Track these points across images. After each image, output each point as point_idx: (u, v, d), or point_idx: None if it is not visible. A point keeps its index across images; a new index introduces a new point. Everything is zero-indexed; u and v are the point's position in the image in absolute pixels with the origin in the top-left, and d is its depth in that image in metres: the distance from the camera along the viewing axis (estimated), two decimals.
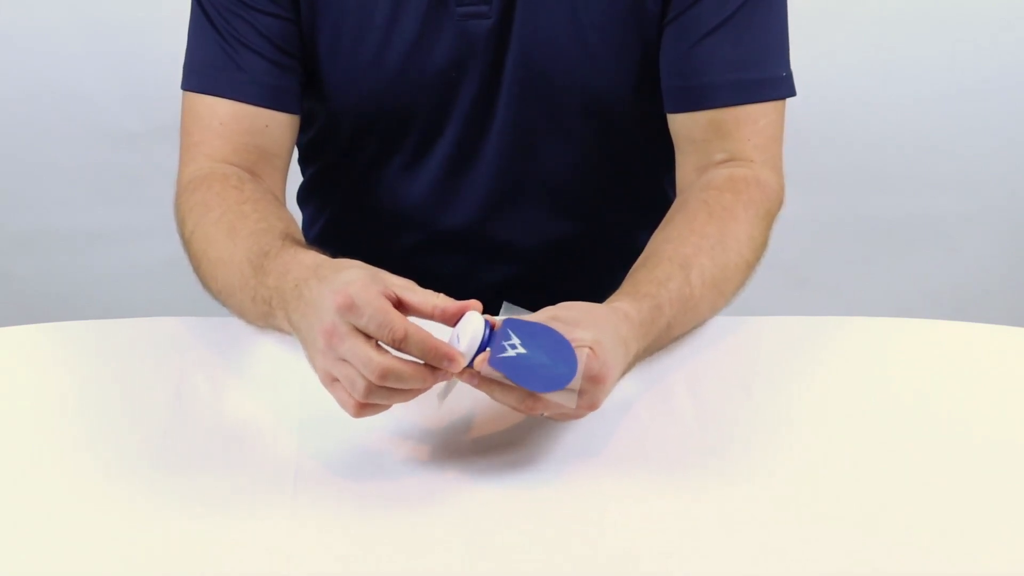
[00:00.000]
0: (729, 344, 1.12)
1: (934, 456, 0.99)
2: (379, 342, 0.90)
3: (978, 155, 2.19)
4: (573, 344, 0.91)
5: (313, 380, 0.95)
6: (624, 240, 1.33)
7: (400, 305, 0.92)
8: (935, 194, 2.22)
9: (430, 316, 0.92)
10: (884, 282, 2.29)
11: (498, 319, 0.93)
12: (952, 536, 0.91)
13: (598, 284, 1.23)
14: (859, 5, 2.08)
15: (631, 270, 1.10)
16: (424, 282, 0.94)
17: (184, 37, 1.23)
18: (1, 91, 2.10)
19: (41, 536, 0.90)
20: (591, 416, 0.96)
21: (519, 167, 1.27)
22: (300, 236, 1.10)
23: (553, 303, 0.98)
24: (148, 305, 2.15)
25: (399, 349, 0.89)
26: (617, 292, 1.06)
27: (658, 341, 1.05)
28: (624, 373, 0.99)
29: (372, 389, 0.90)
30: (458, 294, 0.95)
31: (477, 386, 0.92)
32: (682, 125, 1.21)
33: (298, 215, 1.43)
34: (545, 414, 0.95)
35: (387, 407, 0.93)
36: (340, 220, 1.39)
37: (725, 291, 1.11)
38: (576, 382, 0.90)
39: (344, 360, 0.90)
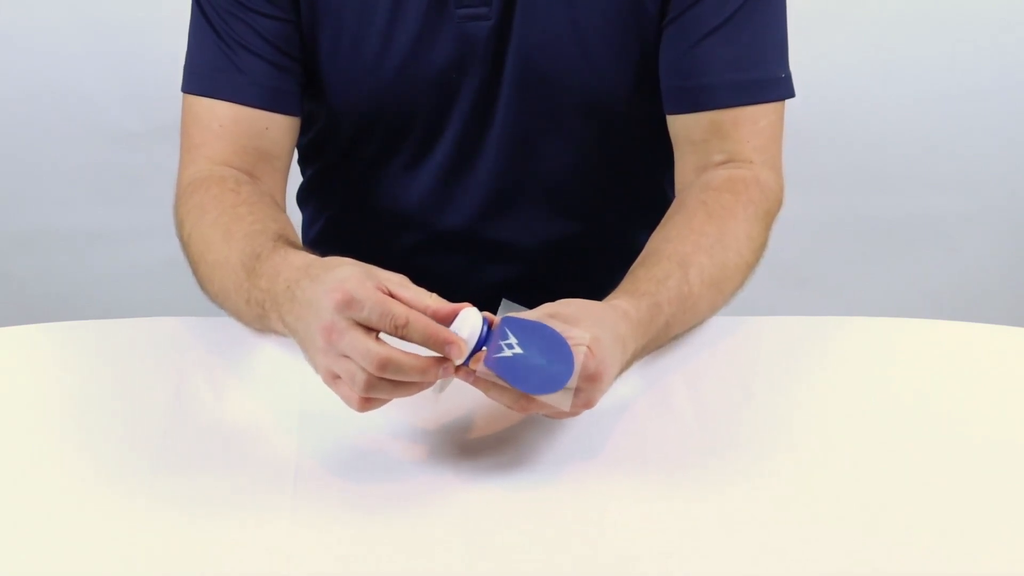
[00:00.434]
0: (729, 344, 1.12)
1: (934, 456, 0.99)
2: (379, 335, 0.90)
3: (978, 155, 2.19)
4: (571, 342, 0.91)
5: (313, 380, 0.95)
6: (624, 240, 1.33)
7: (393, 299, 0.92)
8: (935, 194, 2.22)
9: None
10: (884, 282, 2.29)
11: (496, 316, 0.93)
12: (952, 536, 0.91)
13: (598, 284, 1.23)
14: (859, 5, 2.08)
15: (630, 269, 1.10)
16: (424, 282, 0.94)
17: (184, 37, 1.23)
18: (1, 91, 2.10)
19: (41, 536, 0.90)
20: (591, 416, 0.96)
21: (519, 167, 1.27)
22: (295, 238, 1.10)
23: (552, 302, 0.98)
24: (148, 305, 2.15)
25: (401, 336, 0.89)
26: (616, 290, 1.06)
27: (656, 339, 1.05)
28: (621, 372, 0.99)
29: (373, 382, 0.90)
30: (458, 294, 0.95)
31: (472, 383, 0.92)
32: (681, 126, 1.21)
33: (298, 215, 1.44)
34: (540, 413, 0.95)
35: (390, 399, 0.92)
36: (340, 220, 1.39)
37: (724, 290, 1.11)
38: (572, 382, 0.90)
39: (344, 356, 0.90)
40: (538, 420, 1.00)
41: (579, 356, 0.90)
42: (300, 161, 1.39)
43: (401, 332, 0.89)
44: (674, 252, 1.09)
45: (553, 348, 0.90)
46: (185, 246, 1.14)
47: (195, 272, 1.13)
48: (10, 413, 1.03)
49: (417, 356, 0.90)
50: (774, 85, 1.20)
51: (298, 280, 0.97)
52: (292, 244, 1.06)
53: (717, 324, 1.13)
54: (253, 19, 1.18)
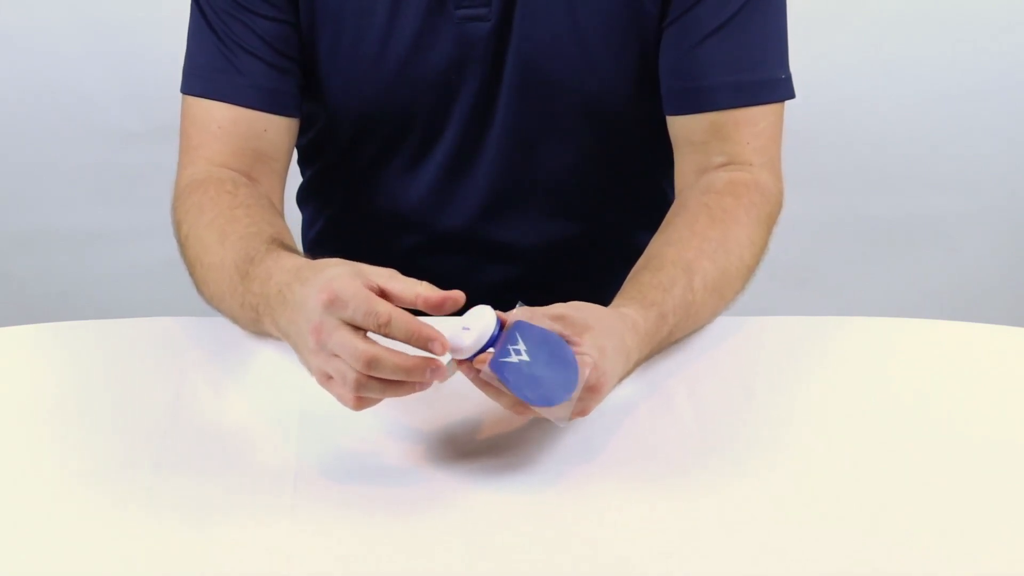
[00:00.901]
0: (729, 344, 1.12)
1: (934, 456, 0.99)
2: (368, 334, 0.90)
3: (978, 155, 2.19)
4: (578, 356, 0.91)
5: (313, 380, 0.95)
6: (624, 240, 1.33)
7: (384, 296, 0.91)
8: (935, 194, 2.22)
9: (413, 304, 0.91)
10: (884, 282, 2.29)
11: (510, 316, 0.93)
12: (952, 536, 0.91)
13: (598, 284, 1.23)
14: (859, 5, 2.09)
15: (633, 272, 1.10)
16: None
17: (184, 37, 1.23)
18: (1, 91, 2.10)
19: (40, 536, 0.90)
20: (591, 415, 0.96)
21: (519, 168, 1.27)
22: (290, 240, 1.10)
23: (553, 303, 0.98)
24: (148, 305, 2.15)
25: (385, 334, 0.89)
26: (622, 295, 1.06)
27: (658, 347, 1.06)
28: (621, 380, 0.99)
29: (363, 381, 0.89)
30: None
31: (472, 379, 0.92)
32: (681, 127, 1.21)
33: (298, 216, 1.44)
34: (536, 415, 0.95)
35: (383, 398, 0.92)
36: (340, 221, 1.39)
37: (726, 295, 1.12)
38: (573, 395, 0.90)
39: (335, 355, 0.90)
40: (538, 421, 1.00)
41: (584, 373, 0.90)
42: (300, 161, 1.39)
43: (384, 330, 0.89)
44: (679, 257, 1.09)
45: (559, 360, 0.90)
46: (182, 247, 1.14)
47: (192, 274, 1.13)
48: (10, 413, 1.03)
49: (404, 355, 0.89)
50: (774, 86, 1.20)
51: (289, 283, 0.97)
52: (285, 247, 1.05)
53: (718, 324, 1.13)
54: (252, 20, 1.18)
